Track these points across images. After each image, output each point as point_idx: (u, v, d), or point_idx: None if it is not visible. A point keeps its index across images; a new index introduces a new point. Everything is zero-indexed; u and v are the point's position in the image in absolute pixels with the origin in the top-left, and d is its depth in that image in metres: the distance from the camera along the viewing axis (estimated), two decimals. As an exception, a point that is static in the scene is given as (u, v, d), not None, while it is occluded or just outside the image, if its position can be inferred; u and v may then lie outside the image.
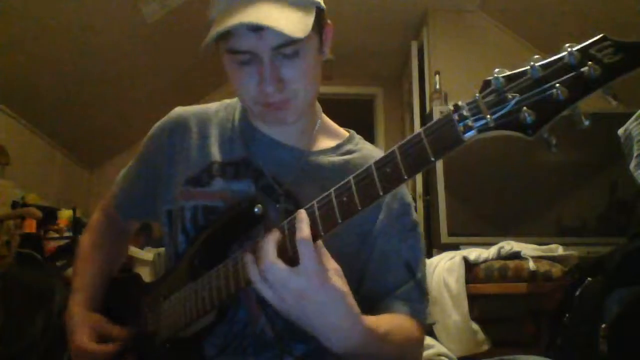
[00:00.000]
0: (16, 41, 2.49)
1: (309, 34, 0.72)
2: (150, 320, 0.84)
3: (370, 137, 4.04)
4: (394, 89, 4.19)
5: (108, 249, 1.01)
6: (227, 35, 0.72)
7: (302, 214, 0.63)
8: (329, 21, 0.83)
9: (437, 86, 3.06)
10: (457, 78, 2.99)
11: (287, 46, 0.73)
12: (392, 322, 0.76)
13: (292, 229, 0.63)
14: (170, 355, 0.81)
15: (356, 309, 0.65)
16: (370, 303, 0.78)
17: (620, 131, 1.56)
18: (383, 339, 0.70)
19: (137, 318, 0.87)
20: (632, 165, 1.50)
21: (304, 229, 0.61)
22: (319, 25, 0.78)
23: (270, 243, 0.63)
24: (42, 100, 2.89)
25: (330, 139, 0.91)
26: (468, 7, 3.34)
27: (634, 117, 1.52)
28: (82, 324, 0.88)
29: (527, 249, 2.09)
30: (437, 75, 3.10)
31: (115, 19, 2.73)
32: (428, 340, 1.68)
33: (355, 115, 3.95)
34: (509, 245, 2.12)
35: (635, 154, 1.49)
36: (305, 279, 0.60)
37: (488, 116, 0.51)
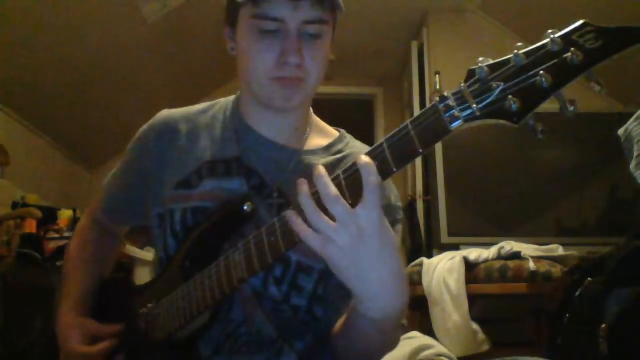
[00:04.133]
0: (16, 41, 2.50)
1: (329, 22, 0.78)
2: (143, 323, 0.84)
3: (370, 137, 4.08)
4: (394, 89, 4.20)
5: (96, 253, 1.00)
6: (260, 0, 0.74)
7: (366, 159, 0.56)
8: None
9: (437, 86, 3.07)
10: (457, 78, 2.91)
11: (315, 23, 0.76)
12: None
13: (351, 177, 0.58)
14: (165, 356, 0.80)
15: (403, 266, 0.62)
16: (342, 292, 0.77)
17: (620, 131, 1.55)
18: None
19: (129, 321, 0.87)
20: (632, 165, 1.49)
21: (375, 174, 0.56)
22: (334, 19, 0.81)
23: (328, 184, 0.57)
24: (42, 100, 2.90)
25: (321, 138, 0.91)
26: (468, 7, 3.34)
27: (634, 117, 1.51)
28: (72, 329, 0.88)
29: (527, 249, 2.08)
30: (437, 75, 3.10)
31: (115, 19, 2.74)
32: (428, 340, 1.66)
33: (355, 115, 3.98)
34: (509, 245, 2.11)
35: (635, 154, 1.47)
36: (366, 218, 0.55)
37: (474, 105, 0.51)
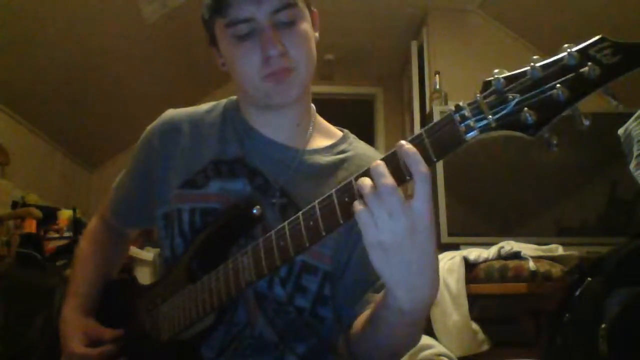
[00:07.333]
0: (16, 41, 2.49)
1: (300, 5, 0.79)
2: (148, 324, 0.84)
3: (370, 137, 4.08)
4: (394, 89, 4.20)
5: (105, 255, 1.01)
6: (224, 9, 0.75)
7: (409, 146, 0.55)
8: (314, 9, 0.87)
9: (437, 86, 3.07)
10: (457, 78, 2.99)
11: (284, 10, 0.76)
12: None
13: (398, 165, 0.57)
14: (169, 357, 0.81)
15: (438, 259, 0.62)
16: (352, 293, 0.79)
17: (620, 131, 1.56)
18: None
19: (133, 321, 0.87)
20: (632, 165, 1.50)
21: (423, 164, 0.55)
22: (306, 2, 0.83)
23: (386, 174, 0.56)
24: (42, 100, 2.89)
25: (325, 139, 0.91)
26: (468, 7, 3.34)
27: (634, 117, 1.52)
28: (75, 329, 0.89)
29: (527, 249, 2.09)
30: (437, 75, 3.10)
31: (115, 20, 2.73)
32: (428, 340, 1.67)
33: (355, 115, 3.97)
34: (509, 245, 2.12)
35: (635, 154, 1.49)
36: (420, 211, 0.55)
37: (489, 116, 0.51)
